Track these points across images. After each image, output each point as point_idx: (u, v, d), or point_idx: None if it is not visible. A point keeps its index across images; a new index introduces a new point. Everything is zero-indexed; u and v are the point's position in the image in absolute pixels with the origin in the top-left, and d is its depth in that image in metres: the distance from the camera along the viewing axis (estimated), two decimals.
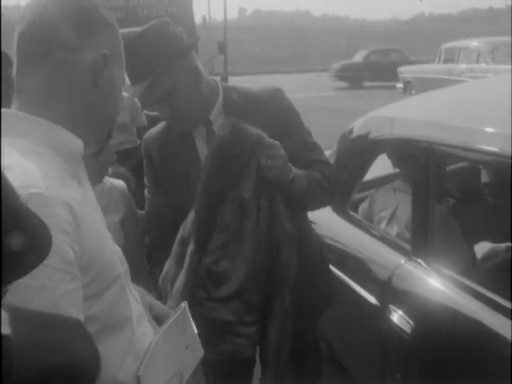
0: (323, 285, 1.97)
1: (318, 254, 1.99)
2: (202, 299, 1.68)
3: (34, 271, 0.70)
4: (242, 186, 1.62)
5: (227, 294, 1.64)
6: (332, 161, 2.58)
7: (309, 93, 15.48)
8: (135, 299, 1.14)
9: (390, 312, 1.95)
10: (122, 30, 1.12)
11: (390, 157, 2.51)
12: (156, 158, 1.87)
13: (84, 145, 1.03)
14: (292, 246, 1.67)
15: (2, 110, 0.98)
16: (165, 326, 1.14)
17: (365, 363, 2.33)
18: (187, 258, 1.65)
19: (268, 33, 29.17)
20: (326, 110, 12.69)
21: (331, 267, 2.28)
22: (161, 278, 1.79)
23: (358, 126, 2.49)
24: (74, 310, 0.88)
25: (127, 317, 1.07)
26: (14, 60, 1.03)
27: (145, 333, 1.10)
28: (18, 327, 0.64)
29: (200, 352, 1.25)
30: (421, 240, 1.97)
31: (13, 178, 0.71)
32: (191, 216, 1.68)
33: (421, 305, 1.89)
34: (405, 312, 1.90)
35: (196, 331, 1.25)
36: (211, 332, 1.64)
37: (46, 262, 0.72)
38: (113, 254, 1.07)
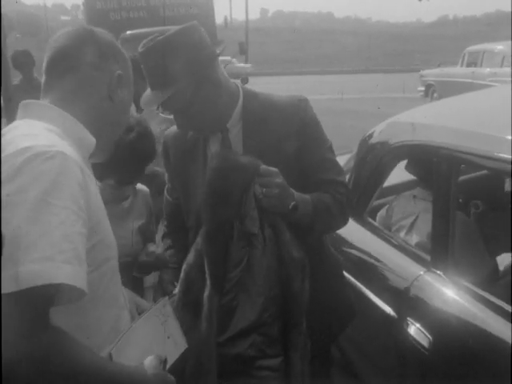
0: (342, 304, 1.91)
1: (335, 274, 1.93)
2: (224, 340, 1.61)
3: (55, 210, 0.94)
4: (244, 218, 1.56)
5: (245, 326, 1.57)
6: (351, 165, 2.53)
7: (327, 95, 15.37)
8: (122, 290, 1.28)
9: (407, 324, 1.89)
10: (143, 30, 1.30)
11: (410, 164, 2.44)
12: (172, 159, 1.84)
13: (100, 147, 1.26)
14: (303, 273, 1.60)
15: (38, 101, 1.21)
16: (144, 315, 1.26)
17: (380, 375, 2.26)
18: (206, 304, 1.59)
19: (290, 34, 29.08)
20: (348, 113, 12.58)
21: (347, 276, 2.23)
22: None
23: (379, 131, 2.43)
24: (83, 249, 1.00)
25: (116, 297, 1.23)
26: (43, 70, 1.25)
27: (125, 322, 1.24)
28: None
29: (183, 346, 1.34)
30: (441, 250, 1.90)
31: (40, 139, 1.04)
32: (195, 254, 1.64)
33: (439, 318, 1.83)
34: (422, 325, 1.84)
35: (179, 325, 1.35)
36: (235, 369, 1.60)
37: (64, 204, 0.96)
38: (112, 235, 1.21)
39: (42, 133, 1.09)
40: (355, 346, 2.41)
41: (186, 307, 1.63)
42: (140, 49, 1.57)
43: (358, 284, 2.22)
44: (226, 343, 1.59)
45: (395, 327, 1.96)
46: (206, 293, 1.59)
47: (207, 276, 1.59)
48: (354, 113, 12.38)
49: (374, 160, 2.35)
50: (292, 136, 1.68)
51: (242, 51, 10.55)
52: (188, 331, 1.62)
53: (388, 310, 2.02)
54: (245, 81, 10.08)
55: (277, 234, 1.59)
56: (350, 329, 2.02)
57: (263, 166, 1.56)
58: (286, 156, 1.67)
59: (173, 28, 1.59)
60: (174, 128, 1.86)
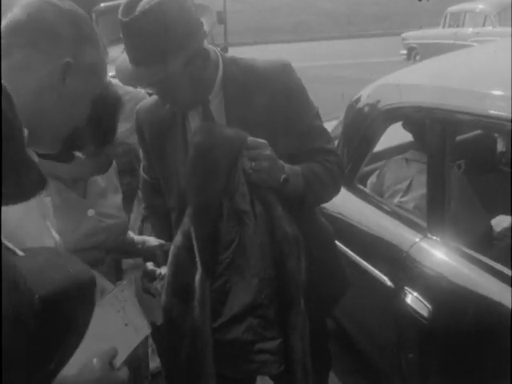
0: (335, 276, 1.83)
1: (328, 245, 1.84)
2: (218, 325, 1.52)
3: None
4: (233, 194, 1.46)
5: (240, 310, 1.48)
6: (339, 132, 2.44)
7: (310, 62, 15.17)
8: None
9: (404, 294, 1.82)
10: (120, 0, 1.15)
11: (406, 123, 2.35)
12: (147, 135, 1.71)
13: (37, 142, 1.07)
14: (298, 250, 1.50)
15: None
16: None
17: (378, 346, 2.21)
18: (198, 289, 1.48)
19: (268, 2, 28.62)
20: (332, 79, 12.43)
21: (340, 246, 2.16)
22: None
23: (366, 95, 2.33)
24: None
25: None
26: None
27: None
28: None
29: (146, 329, 1.26)
30: (437, 215, 1.83)
31: None
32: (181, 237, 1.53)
33: (438, 287, 1.76)
34: (420, 294, 1.77)
35: (140, 309, 1.26)
36: (232, 354, 1.53)
37: None
38: (42, 237, 1.09)
39: None
40: (351, 318, 2.36)
41: (176, 292, 1.54)
42: (122, 18, 1.41)
43: (352, 254, 2.15)
44: (221, 328, 1.51)
45: (392, 297, 1.89)
46: (197, 277, 1.49)
47: (197, 259, 1.49)
48: (336, 79, 12.24)
49: (363, 124, 2.26)
50: (277, 103, 1.56)
51: (221, 20, 10.31)
52: (179, 317, 1.54)
53: (385, 279, 1.96)
54: (224, 50, 9.86)
55: (268, 209, 1.49)
56: (345, 300, 1.96)
57: (250, 138, 1.45)
58: (272, 125, 1.56)
59: None
60: (145, 102, 1.75)
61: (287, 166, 1.51)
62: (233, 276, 1.49)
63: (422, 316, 1.74)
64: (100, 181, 1.72)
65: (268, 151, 1.45)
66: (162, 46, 1.39)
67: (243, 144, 1.44)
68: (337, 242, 2.07)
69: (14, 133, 0.68)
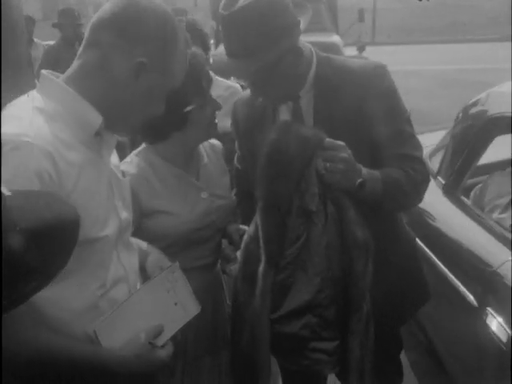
0: (414, 286, 1.79)
1: (408, 253, 1.80)
2: (278, 317, 1.55)
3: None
4: (304, 193, 1.47)
5: (299, 305, 1.50)
6: (446, 142, 2.35)
7: (457, 65, 14.40)
8: (121, 265, 1.27)
9: (486, 315, 1.72)
10: None
11: None
12: (241, 127, 1.80)
13: (113, 128, 1.22)
14: (366, 255, 1.48)
15: (46, 71, 1.19)
16: (146, 285, 1.26)
17: (460, 362, 2.10)
18: (260, 280, 1.53)
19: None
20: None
21: (431, 255, 2.09)
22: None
23: (477, 103, 2.21)
24: None
25: (97, 275, 1.19)
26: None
27: (119, 296, 1.22)
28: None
29: (195, 309, 1.34)
30: None
31: (15, 126, 1.04)
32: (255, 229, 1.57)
33: None
34: (504, 318, 1.66)
35: (190, 290, 1.34)
36: (288, 347, 1.56)
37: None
38: (105, 215, 1.19)
39: (28, 115, 1.09)
40: (436, 330, 2.27)
41: (245, 279, 1.60)
42: (223, 11, 1.50)
43: (441, 265, 2.06)
44: (279, 320, 1.54)
45: (475, 317, 1.80)
46: (261, 267, 1.53)
47: (262, 251, 1.53)
48: (480, 85, 11.48)
49: (470, 132, 2.15)
50: (365, 105, 1.56)
51: (361, 18, 10.14)
52: (243, 303, 1.61)
53: (469, 297, 1.86)
54: (361, 50, 9.67)
55: (340, 211, 1.49)
56: (432, 312, 1.89)
57: (328, 139, 1.46)
58: (359, 127, 1.56)
59: None
60: (243, 95, 1.82)
61: (365, 170, 1.49)
62: (296, 271, 1.51)
63: (501, 341, 1.64)
64: (209, 163, 1.86)
65: (345, 154, 1.44)
66: (255, 40, 1.46)
67: (319, 145, 1.46)
68: (427, 250, 2.01)
69: None
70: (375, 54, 11.90)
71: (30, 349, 1.00)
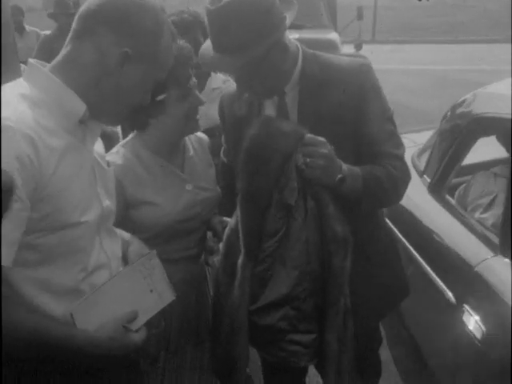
0: (394, 282, 1.81)
1: (389, 249, 1.82)
2: (256, 308, 1.58)
3: None
4: (283, 188, 1.49)
5: (277, 298, 1.53)
6: (432, 142, 2.37)
7: (457, 65, 14.41)
8: (103, 251, 1.30)
9: (463, 313, 1.75)
10: None
11: (497, 138, 2.22)
12: (227, 120, 1.81)
13: (98, 116, 1.25)
14: (345, 250, 1.51)
15: (33, 60, 1.23)
16: (122, 271, 1.28)
17: (440, 359, 2.13)
18: (239, 271, 1.56)
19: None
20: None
21: (413, 251, 2.12)
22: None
23: (464, 103, 2.23)
24: (9, 227, 1.03)
25: (78, 260, 1.22)
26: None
27: (100, 282, 1.24)
28: None
29: (169, 296, 1.35)
30: (510, 235, 1.72)
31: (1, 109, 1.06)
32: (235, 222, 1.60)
33: (496, 307, 1.66)
34: (481, 316, 1.69)
35: (166, 277, 1.35)
36: (265, 339, 1.59)
37: None
38: (87, 201, 1.22)
39: (13, 100, 1.12)
40: (418, 327, 2.30)
41: (226, 271, 1.63)
42: (209, 6, 1.51)
43: (422, 262, 2.09)
44: (257, 312, 1.57)
45: (453, 313, 1.82)
46: (240, 260, 1.57)
47: (241, 243, 1.56)
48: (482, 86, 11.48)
49: (455, 132, 2.17)
50: (349, 102, 1.58)
51: (360, 16, 10.11)
52: (223, 295, 1.63)
53: (448, 294, 1.88)
54: (358, 48, 9.64)
55: (319, 206, 1.51)
56: (413, 308, 1.91)
57: (308, 135, 1.48)
58: (342, 124, 1.58)
59: None
60: (230, 89, 1.83)
61: (346, 167, 1.51)
62: (275, 264, 1.53)
63: (476, 338, 1.66)
64: (195, 156, 1.87)
65: (325, 149, 1.46)
66: (241, 35, 1.47)
67: (300, 140, 1.48)
68: (410, 247, 2.03)
69: None
70: (375, 53, 11.91)
71: (6, 328, 1.02)
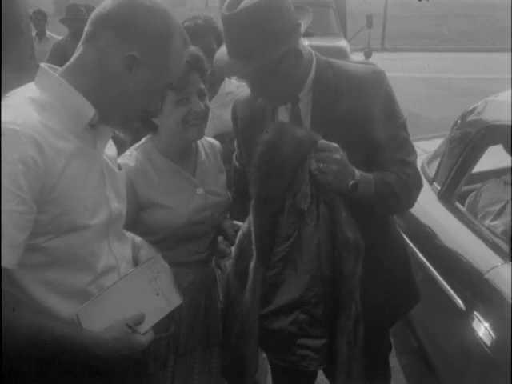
0: (404, 289, 1.81)
1: (399, 255, 1.82)
2: (267, 312, 1.58)
3: None
4: (296, 193, 1.50)
5: (288, 302, 1.53)
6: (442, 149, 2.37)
7: (466, 74, 14.38)
8: (112, 254, 1.30)
9: (473, 320, 1.75)
10: None
11: (504, 147, 2.22)
12: (240, 126, 1.82)
13: (107, 121, 1.25)
14: (356, 255, 1.51)
15: (44, 64, 1.24)
16: (128, 274, 1.28)
17: (449, 366, 2.13)
18: (251, 275, 1.57)
19: (435, 9, 27.50)
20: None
21: (423, 258, 2.12)
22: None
23: (475, 110, 2.23)
24: (13, 229, 1.05)
25: (87, 262, 1.23)
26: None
27: (109, 285, 1.25)
28: None
29: (176, 300, 1.35)
30: None
31: (7, 114, 1.08)
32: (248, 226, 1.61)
33: (509, 316, 1.66)
34: (490, 323, 1.68)
35: (173, 281, 1.36)
36: (275, 343, 1.59)
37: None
38: (95, 204, 1.22)
39: (21, 104, 1.14)
40: (426, 333, 2.29)
41: (237, 274, 1.64)
42: (224, 12, 1.52)
43: (431, 269, 2.09)
44: (268, 316, 1.57)
45: (462, 320, 1.82)
46: (252, 264, 1.57)
47: (253, 247, 1.57)
48: (486, 94, 11.45)
49: (466, 139, 2.18)
50: (363, 109, 1.58)
51: (369, 24, 10.16)
52: (235, 298, 1.64)
53: (457, 300, 1.88)
54: (368, 55, 9.66)
55: (332, 212, 1.52)
56: (421, 314, 1.91)
57: (322, 141, 1.49)
58: (355, 130, 1.59)
59: None
60: (243, 94, 1.84)
61: (358, 173, 1.52)
62: (286, 269, 1.54)
63: (486, 345, 1.66)
64: (207, 161, 1.89)
65: (338, 155, 1.47)
66: (256, 40, 1.48)
67: (313, 146, 1.49)
68: (419, 254, 2.03)
69: None
70: (384, 60, 11.91)
71: (11, 327, 1.03)
